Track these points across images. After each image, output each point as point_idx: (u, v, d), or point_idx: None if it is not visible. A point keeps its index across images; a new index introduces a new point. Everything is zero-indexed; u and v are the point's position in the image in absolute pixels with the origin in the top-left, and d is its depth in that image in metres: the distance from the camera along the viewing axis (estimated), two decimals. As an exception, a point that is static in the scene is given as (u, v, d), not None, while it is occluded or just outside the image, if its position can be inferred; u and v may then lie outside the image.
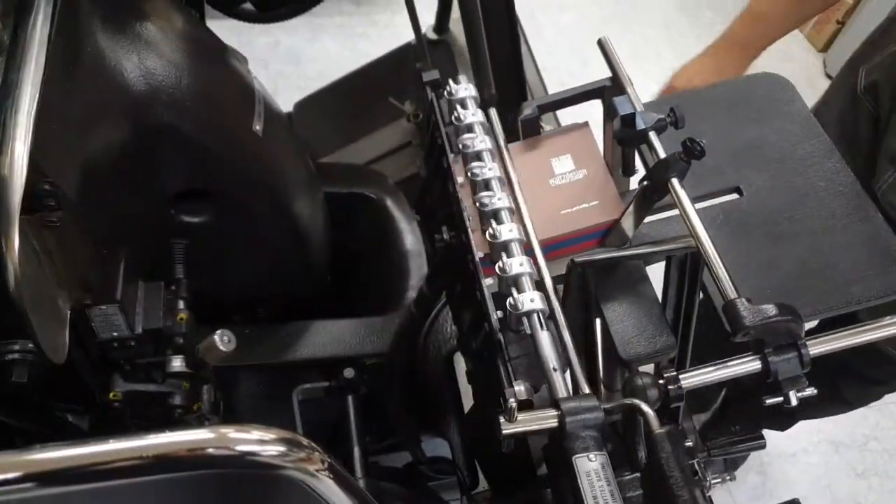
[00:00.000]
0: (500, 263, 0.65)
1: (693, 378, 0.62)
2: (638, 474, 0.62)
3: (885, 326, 0.62)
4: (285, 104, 1.50)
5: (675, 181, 0.66)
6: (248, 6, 1.23)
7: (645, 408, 0.58)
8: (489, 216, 0.68)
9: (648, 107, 0.71)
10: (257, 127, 0.83)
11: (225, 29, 1.04)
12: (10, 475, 0.36)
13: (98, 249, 0.67)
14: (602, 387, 0.74)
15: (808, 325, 0.64)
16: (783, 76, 0.89)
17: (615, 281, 0.76)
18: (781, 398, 0.61)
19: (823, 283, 0.73)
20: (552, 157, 0.76)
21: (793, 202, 0.78)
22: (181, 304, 0.76)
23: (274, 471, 0.40)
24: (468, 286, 0.73)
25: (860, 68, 1.08)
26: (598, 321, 0.74)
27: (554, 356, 0.60)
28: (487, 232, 0.67)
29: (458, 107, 0.75)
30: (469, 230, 0.71)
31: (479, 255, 0.70)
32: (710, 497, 0.83)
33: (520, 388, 0.61)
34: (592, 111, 0.81)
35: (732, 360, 0.62)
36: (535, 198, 0.72)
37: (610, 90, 0.76)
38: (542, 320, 0.62)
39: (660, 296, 0.76)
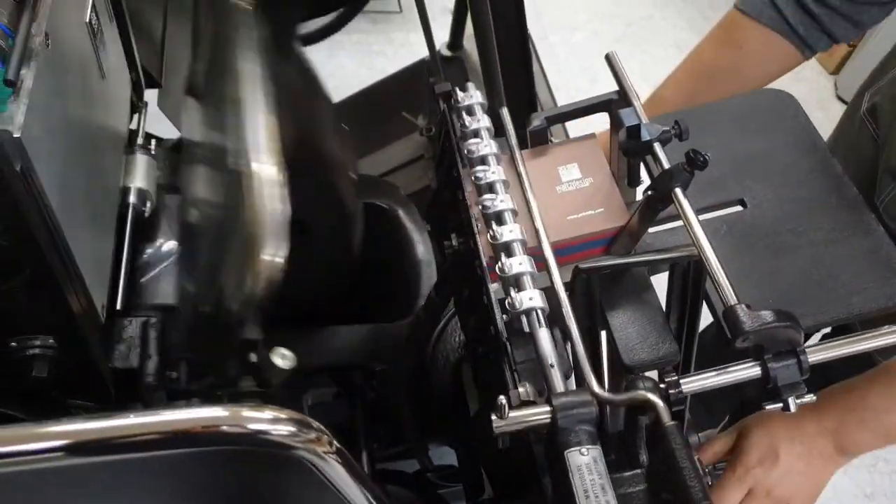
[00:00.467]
0: (500, 264, 0.66)
1: (694, 383, 0.63)
2: (639, 471, 0.63)
3: (884, 335, 0.63)
4: (301, 117, 1.53)
5: (678, 191, 0.67)
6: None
7: (654, 398, 0.59)
8: (492, 218, 0.69)
9: (654, 119, 0.73)
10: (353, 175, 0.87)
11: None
12: (40, 444, 0.38)
13: None
14: (606, 388, 0.75)
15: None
16: (787, 92, 0.91)
17: (620, 289, 0.77)
18: (781, 404, 0.62)
19: (825, 294, 0.74)
20: (559, 165, 0.78)
21: (796, 214, 0.80)
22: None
23: (284, 450, 0.42)
24: (475, 291, 0.75)
25: (865, 92, 1.10)
26: (603, 330, 0.76)
27: (552, 353, 0.62)
28: (489, 234, 0.68)
29: (465, 114, 0.77)
30: (477, 236, 0.73)
31: (486, 260, 0.72)
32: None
33: (523, 389, 0.63)
34: (601, 126, 0.83)
35: (733, 365, 0.63)
36: (541, 203, 0.74)
37: (617, 103, 0.78)
38: (542, 318, 0.64)
39: (664, 305, 0.77)
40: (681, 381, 0.63)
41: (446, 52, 1.70)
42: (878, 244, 0.77)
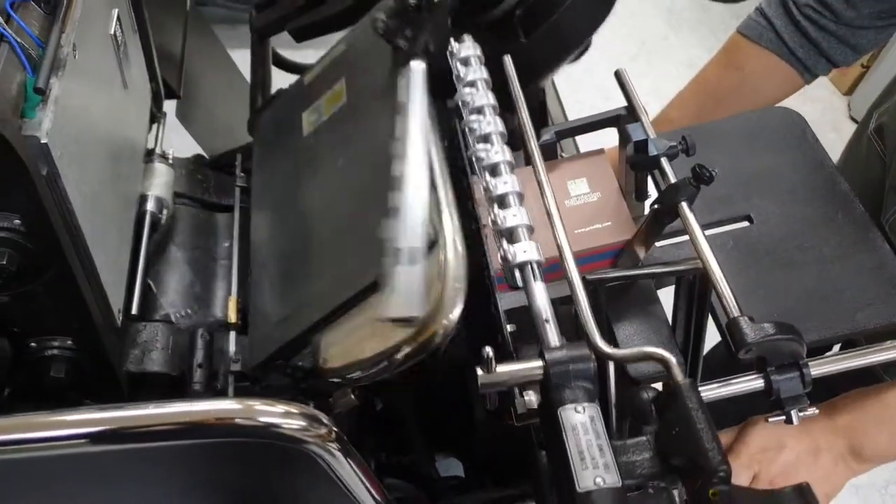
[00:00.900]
0: (492, 215, 0.62)
1: (698, 393, 0.64)
2: (644, 438, 0.54)
3: (886, 350, 0.64)
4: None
5: (684, 205, 0.69)
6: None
7: (667, 355, 0.53)
8: (486, 170, 0.64)
9: (661, 135, 0.75)
10: None
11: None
12: (59, 432, 0.40)
13: None
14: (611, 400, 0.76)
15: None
16: (795, 110, 0.92)
17: (627, 302, 0.78)
18: (784, 416, 0.63)
19: (830, 309, 0.75)
20: (568, 179, 0.79)
21: (802, 231, 0.81)
22: None
23: (294, 444, 0.43)
24: (483, 300, 0.76)
25: (874, 112, 1.11)
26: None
27: (547, 308, 0.57)
28: (482, 185, 0.64)
29: (459, 65, 0.72)
30: (486, 247, 0.74)
31: (494, 271, 0.73)
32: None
33: (529, 398, 0.64)
34: (612, 143, 0.84)
35: (737, 377, 0.64)
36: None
37: (625, 118, 0.79)
38: (537, 271, 0.59)
39: (670, 319, 0.78)
40: (685, 391, 0.63)
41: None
42: (884, 261, 0.78)
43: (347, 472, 0.46)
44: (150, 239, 0.85)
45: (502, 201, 0.62)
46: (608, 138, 0.86)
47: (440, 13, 0.70)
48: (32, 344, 0.72)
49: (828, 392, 0.94)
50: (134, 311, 0.80)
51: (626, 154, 0.76)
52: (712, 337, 0.75)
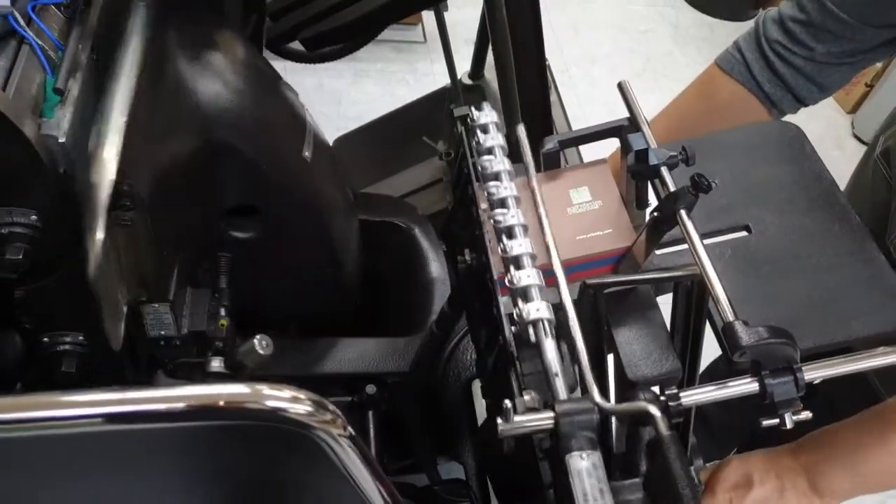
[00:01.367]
0: (509, 276, 0.69)
1: (694, 396, 0.65)
2: (637, 480, 0.65)
3: (878, 356, 0.65)
4: (325, 140, 1.58)
5: (683, 213, 0.70)
6: (298, 46, 1.31)
7: (653, 409, 0.61)
8: (502, 232, 0.72)
9: (662, 146, 0.76)
10: (306, 153, 0.91)
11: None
12: (69, 411, 0.42)
13: (158, 251, 0.73)
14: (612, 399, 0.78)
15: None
16: (795, 124, 0.93)
17: (626, 307, 0.80)
18: (777, 419, 0.65)
19: (825, 318, 0.76)
20: (570, 188, 0.81)
21: (800, 241, 0.82)
22: (223, 312, 0.82)
23: (300, 429, 0.45)
24: (486, 304, 0.78)
25: (881, 136, 1.13)
26: (609, 347, 0.79)
27: (557, 363, 0.64)
28: (500, 248, 0.71)
29: (479, 131, 0.80)
30: (489, 251, 0.76)
31: (496, 274, 0.75)
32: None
33: (528, 397, 0.65)
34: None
35: (731, 380, 0.65)
36: (552, 224, 0.77)
37: (627, 129, 0.81)
38: (549, 329, 0.66)
39: (669, 326, 0.80)
40: (681, 394, 0.65)
41: (467, 81, 1.75)
42: (879, 271, 0.79)
43: (352, 460, 0.48)
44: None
45: (517, 262, 0.69)
46: (611, 149, 0.88)
47: None
48: (45, 339, 0.74)
49: (828, 407, 0.96)
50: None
51: (627, 163, 0.78)
52: (711, 346, 0.77)
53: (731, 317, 0.63)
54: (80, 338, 0.73)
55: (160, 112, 0.72)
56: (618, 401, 0.78)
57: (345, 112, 2.43)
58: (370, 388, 0.99)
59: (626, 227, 0.78)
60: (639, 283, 0.76)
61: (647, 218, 0.78)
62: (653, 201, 0.80)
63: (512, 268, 0.69)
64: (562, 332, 0.69)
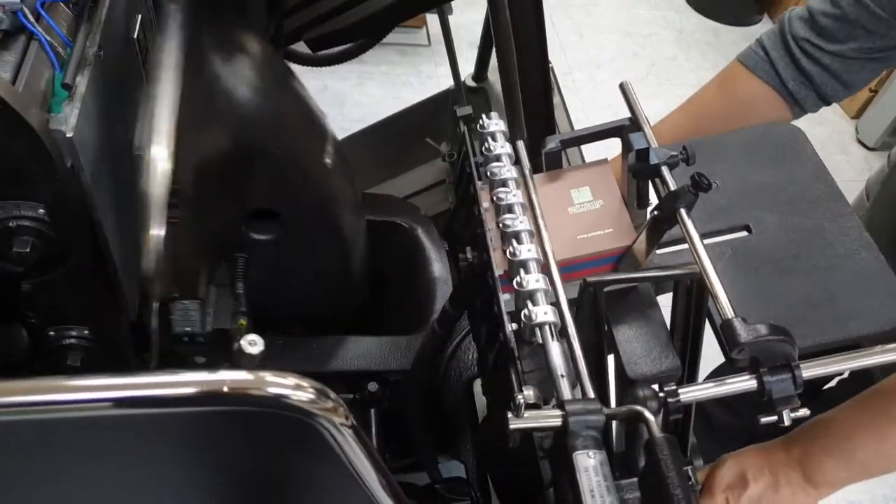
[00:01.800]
0: (517, 279, 0.70)
1: (692, 393, 0.66)
2: (635, 479, 0.66)
3: (876, 354, 0.66)
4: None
5: (683, 211, 0.71)
6: (303, 47, 1.32)
7: (647, 413, 0.62)
8: (511, 237, 0.74)
9: (662, 146, 0.77)
10: (327, 160, 0.92)
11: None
12: (73, 396, 0.43)
13: (192, 250, 0.74)
14: (611, 402, 0.78)
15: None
16: (796, 125, 0.94)
17: (626, 306, 0.80)
18: (775, 416, 0.65)
19: (824, 317, 0.77)
20: (572, 188, 0.82)
21: (799, 241, 0.83)
22: (243, 310, 0.83)
23: (302, 416, 0.45)
24: (487, 302, 0.78)
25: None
26: (609, 345, 0.79)
27: (562, 364, 0.66)
28: (507, 251, 0.72)
29: (489, 139, 0.81)
30: (490, 249, 0.77)
31: (498, 272, 0.76)
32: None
33: (529, 392, 0.66)
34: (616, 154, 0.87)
35: (730, 377, 0.66)
36: (554, 223, 0.78)
37: (628, 128, 0.82)
38: (554, 332, 0.68)
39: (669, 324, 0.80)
40: (679, 390, 0.65)
41: (471, 83, 1.76)
42: (878, 271, 0.79)
43: (354, 450, 0.48)
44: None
45: (525, 266, 0.71)
46: (613, 150, 0.88)
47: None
48: (51, 333, 0.75)
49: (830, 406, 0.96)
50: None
51: (628, 162, 0.78)
52: (711, 346, 0.77)
53: (729, 314, 0.64)
54: (86, 332, 0.74)
55: (198, 112, 0.74)
56: (618, 398, 0.79)
57: (348, 114, 2.44)
58: (372, 386, 0.99)
59: (626, 227, 0.79)
60: (639, 282, 0.76)
61: (648, 217, 0.79)
62: (653, 201, 0.81)
63: (521, 271, 0.71)
64: (561, 332, 0.70)
